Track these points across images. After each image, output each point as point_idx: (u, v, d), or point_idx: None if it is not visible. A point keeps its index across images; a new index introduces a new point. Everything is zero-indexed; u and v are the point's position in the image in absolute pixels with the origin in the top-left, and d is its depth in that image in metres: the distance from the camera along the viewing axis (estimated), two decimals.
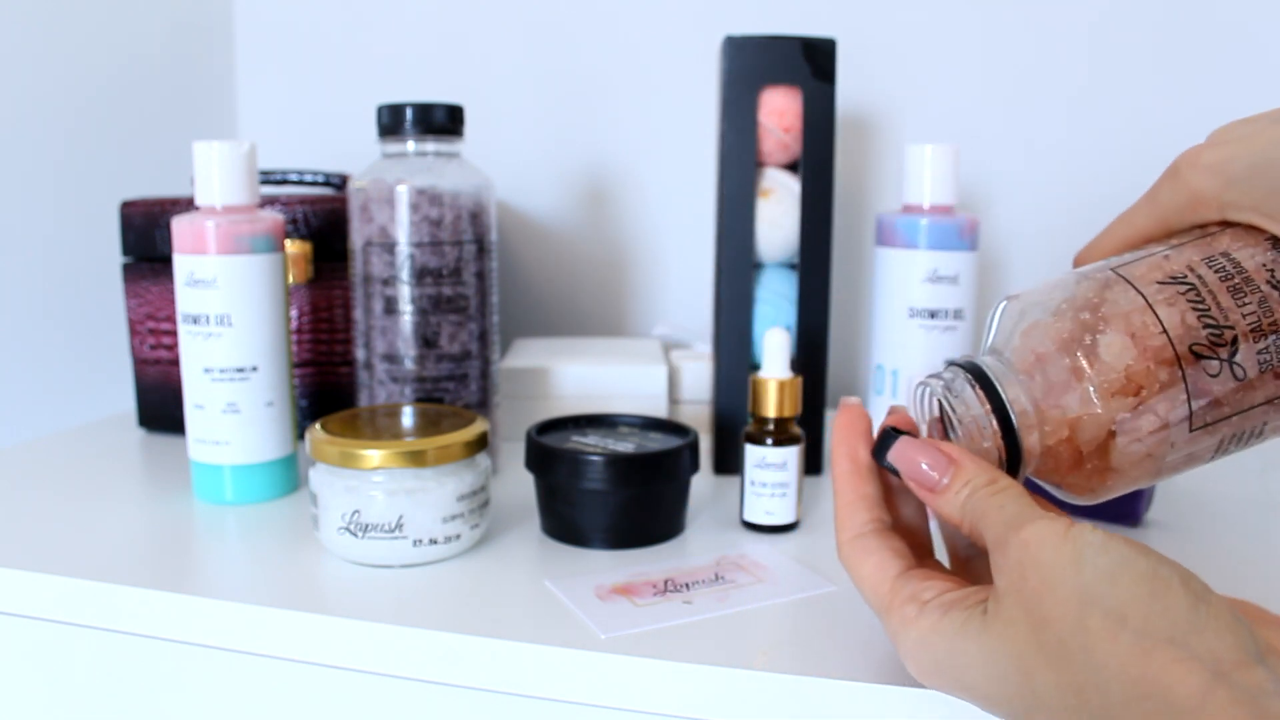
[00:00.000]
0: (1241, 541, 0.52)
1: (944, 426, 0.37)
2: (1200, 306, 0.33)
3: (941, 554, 0.40)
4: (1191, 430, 0.33)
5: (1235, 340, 0.33)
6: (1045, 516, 0.30)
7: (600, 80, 0.87)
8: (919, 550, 0.38)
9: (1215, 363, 0.33)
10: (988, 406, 0.34)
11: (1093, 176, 0.79)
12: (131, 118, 0.84)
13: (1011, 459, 0.34)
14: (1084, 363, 0.33)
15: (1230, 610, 0.28)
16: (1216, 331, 0.33)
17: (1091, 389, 0.33)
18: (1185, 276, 0.34)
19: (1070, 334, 0.34)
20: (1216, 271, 0.34)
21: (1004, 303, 0.37)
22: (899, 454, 0.35)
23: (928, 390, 0.37)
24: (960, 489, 0.33)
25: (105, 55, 0.81)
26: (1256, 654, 0.27)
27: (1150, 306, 0.33)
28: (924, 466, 0.34)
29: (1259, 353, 0.33)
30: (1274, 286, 0.33)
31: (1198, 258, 0.34)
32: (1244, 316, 0.33)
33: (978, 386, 0.35)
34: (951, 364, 0.36)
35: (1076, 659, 0.28)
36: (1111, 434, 0.33)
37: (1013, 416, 0.34)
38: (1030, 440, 0.34)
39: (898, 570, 0.35)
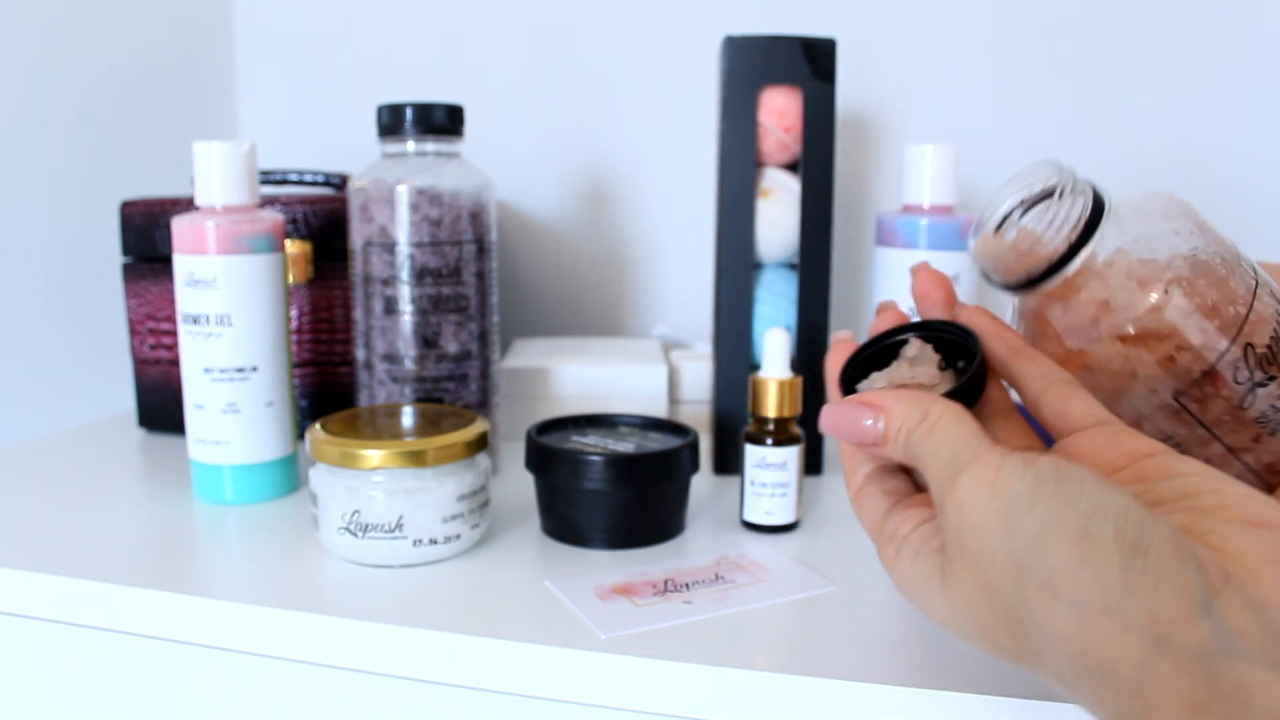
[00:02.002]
0: None
1: (1026, 211, 0.37)
2: None
3: None
4: (1175, 397, 0.35)
5: (1275, 377, 0.35)
6: (975, 463, 0.29)
7: (600, 80, 0.87)
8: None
9: (1245, 373, 0.35)
10: (1085, 216, 0.36)
11: (1092, 177, 0.79)
12: (131, 118, 0.84)
13: (1065, 259, 0.35)
14: (1178, 268, 0.35)
15: (1175, 548, 0.26)
16: (1271, 354, 0.35)
17: (1166, 283, 0.34)
18: None
19: (1186, 250, 0.35)
20: None
21: (1167, 192, 0.38)
22: (829, 423, 0.33)
23: (1061, 171, 0.37)
24: (897, 436, 0.32)
25: (105, 55, 0.81)
26: (1203, 601, 0.25)
27: (1257, 291, 0.35)
28: (864, 423, 0.32)
29: (1273, 402, 0.35)
30: None
31: None
32: None
33: (1091, 203, 0.36)
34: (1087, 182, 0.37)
35: (1027, 626, 0.28)
36: (1132, 334, 0.35)
37: (1095, 236, 0.35)
38: (1086, 261, 0.36)
39: (885, 510, 0.34)
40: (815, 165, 0.60)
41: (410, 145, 0.58)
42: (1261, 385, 0.35)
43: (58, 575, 0.46)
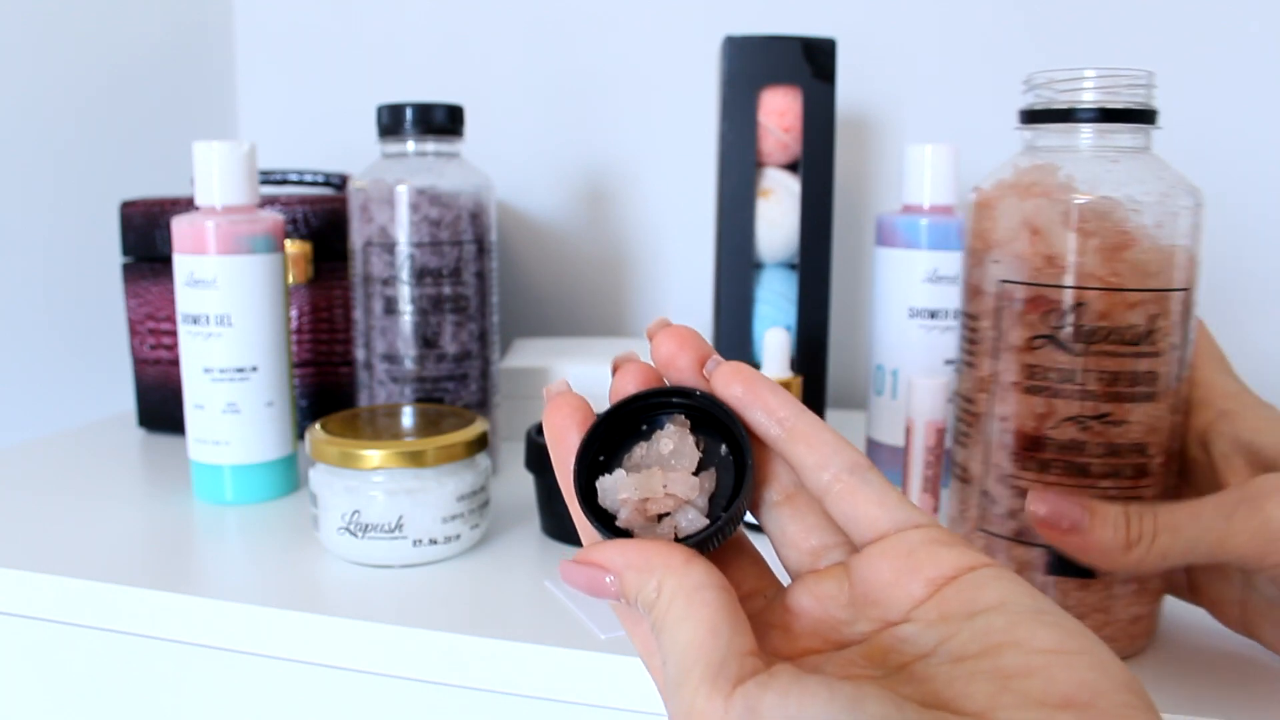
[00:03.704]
0: None
1: None
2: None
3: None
4: (1003, 280, 0.38)
5: (1075, 352, 0.36)
6: (703, 685, 0.23)
7: (600, 80, 0.87)
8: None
9: (1058, 318, 0.36)
10: None
11: None
12: (131, 118, 0.84)
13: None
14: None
15: None
16: (1096, 334, 0.36)
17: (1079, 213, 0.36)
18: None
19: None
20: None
21: None
22: (570, 581, 0.27)
23: None
24: (635, 602, 0.26)
25: (105, 55, 0.81)
26: None
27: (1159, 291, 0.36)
28: (605, 581, 0.26)
29: (1053, 365, 0.36)
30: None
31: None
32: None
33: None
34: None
35: None
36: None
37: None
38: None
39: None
40: (815, 165, 0.60)
41: (410, 145, 0.58)
42: (1057, 345, 0.36)
43: (58, 575, 0.46)
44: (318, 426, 0.50)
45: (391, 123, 0.58)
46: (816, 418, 0.28)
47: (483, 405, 0.60)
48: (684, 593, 0.24)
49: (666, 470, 0.28)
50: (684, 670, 0.23)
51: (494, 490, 0.58)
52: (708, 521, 0.27)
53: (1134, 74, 0.36)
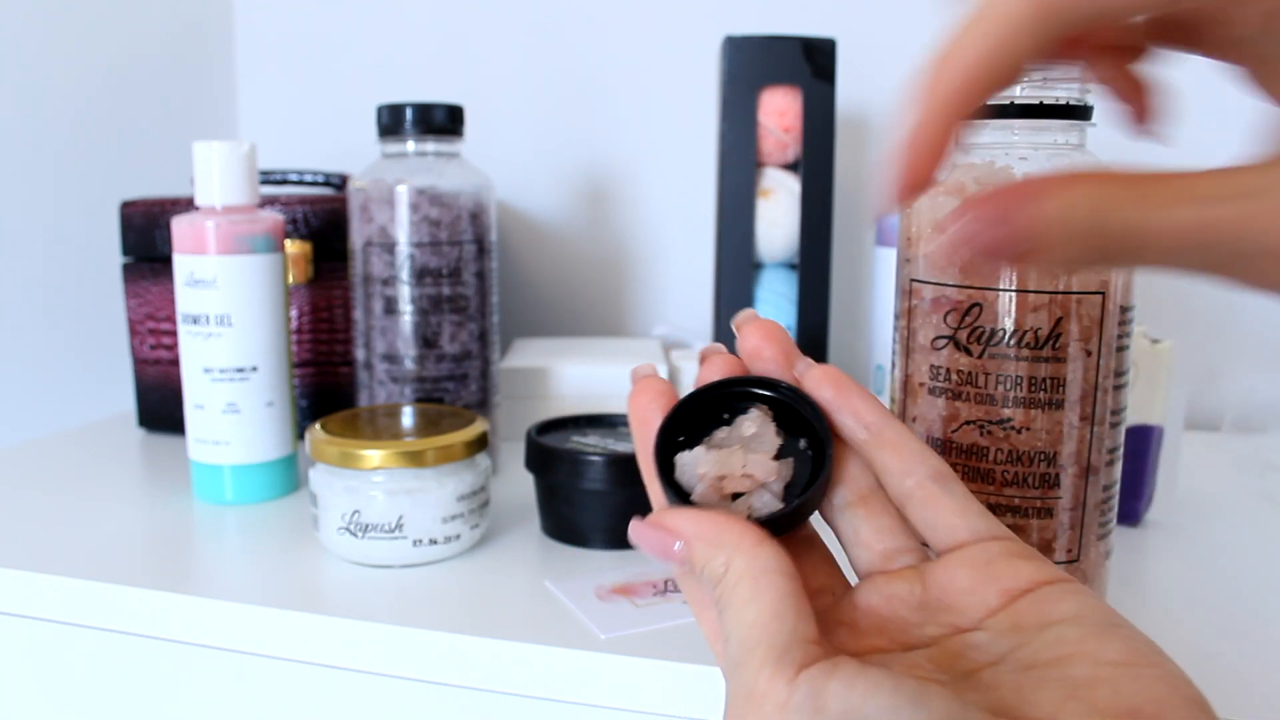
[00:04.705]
0: (1242, 541, 0.52)
1: None
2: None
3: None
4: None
5: (969, 350, 0.35)
6: (756, 706, 0.23)
7: (600, 80, 0.87)
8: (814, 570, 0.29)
9: (958, 318, 0.36)
10: None
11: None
12: (131, 118, 0.84)
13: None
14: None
15: None
16: (985, 335, 0.35)
17: None
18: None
19: None
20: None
21: None
22: (636, 539, 0.27)
23: None
24: (702, 575, 0.26)
25: (105, 55, 0.81)
26: None
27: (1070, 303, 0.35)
28: (675, 548, 0.26)
29: (943, 364, 0.36)
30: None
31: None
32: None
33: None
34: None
35: None
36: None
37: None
38: None
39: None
40: (815, 165, 0.60)
41: (410, 145, 0.58)
42: (957, 346, 0.35)
43: (58, 575, 0.46)
44: (318, 426, 0.50)
45: (391, 123, 0.58)
46: (903, 425, 0.28)
47: (483, 405, 0.60)
48: (752, 574, 0.24)
49: (747, 451, 0.28)
50: (747, 650, 0.23)
51: (494, 490, 0.58)
52: (781, 505, 0.28)
53: (1063, 69, 0.35)
